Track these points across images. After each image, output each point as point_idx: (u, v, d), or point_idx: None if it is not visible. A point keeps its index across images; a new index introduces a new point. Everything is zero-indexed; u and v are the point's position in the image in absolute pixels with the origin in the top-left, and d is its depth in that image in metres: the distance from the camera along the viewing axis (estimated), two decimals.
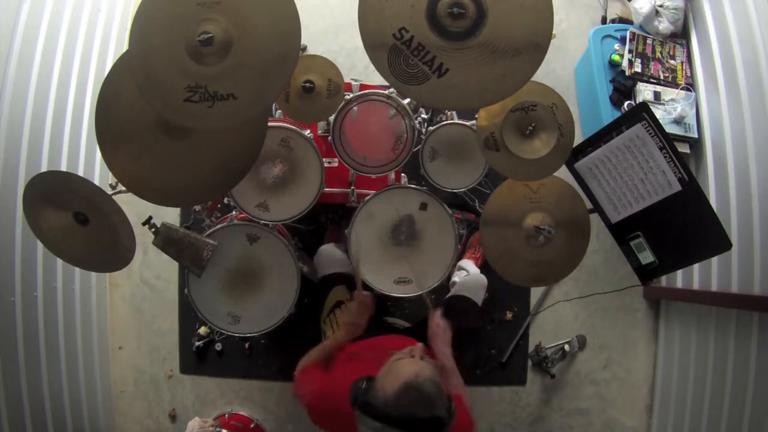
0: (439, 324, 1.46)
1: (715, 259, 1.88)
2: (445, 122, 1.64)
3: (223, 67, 1.07)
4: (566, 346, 2.25)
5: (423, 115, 1.72)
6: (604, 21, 2.39)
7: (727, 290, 1.84)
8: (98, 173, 2.16)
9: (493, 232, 1.51)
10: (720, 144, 1.96)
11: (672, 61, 2.16)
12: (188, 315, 2.28)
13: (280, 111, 1.70)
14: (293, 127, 1.50)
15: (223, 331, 1.61)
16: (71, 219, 1.34)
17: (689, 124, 2.06)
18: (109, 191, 1.37)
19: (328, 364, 1.42)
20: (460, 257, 2.11)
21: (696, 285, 2.02)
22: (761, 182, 1.73)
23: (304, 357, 1.48)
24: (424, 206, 1.62)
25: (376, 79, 1.30)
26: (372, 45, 1.08)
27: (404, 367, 1.05)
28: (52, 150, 1.91)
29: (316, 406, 1.27)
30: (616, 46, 2.18)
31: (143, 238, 1.98)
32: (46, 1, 1.85)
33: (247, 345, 2.27)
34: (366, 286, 1.64)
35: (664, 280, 2.26)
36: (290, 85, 1.43)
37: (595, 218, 1.55)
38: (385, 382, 1.03)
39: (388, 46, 1.08)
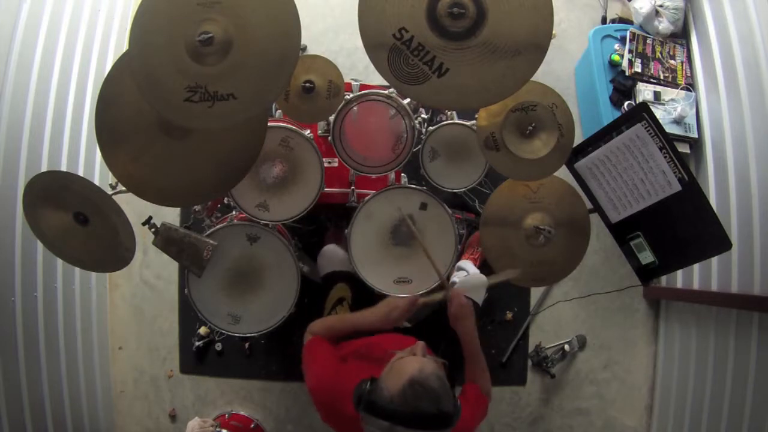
0: (461, 304, 1.38)
1: (715, 259, 1.88)
2: (445, 122, 1.64)
3: (223, 67, 1.07)
4: (566, 346, 2.25)
5: (423, 115, 1.72)
6: (604, 21, 2.39)
7: (727, 290, 1.84)
8: (98, 173, 2.17)
9: (492, 232, 1.51)
10: (720, 144, 1.96)
11: (672, 61, 2.16)
12: (188, 315, 2.28)
13: (280, 111, 1.70)
14: (293, 127, 1.50)
15: (223, 331, 1.60)
16: (71, 219, 1.34)
17: (689, 124, 2.06)
18: (109, 191, 1.37)
19: (339, 344, 1.41)
20: (459, 257, 2.11)
21: (696, 285, 2.02)
22: (761, 182, 1.73)
23: (318, 322, 1.46)
24: (424, 206, 1.62)
25: (376, 79, 1.30)
26: (372, 45, 1.08)
27: (407, 364, 1.05)
28: (52, 150, 1.91)
29: (318, 397, 1.27)
30: (616, 46, 2.18)
31: (143, 238, 1.99)
32: (46, 1, 1.85)
33: (247, 345, 2.27)
34: (366, 287, 1.64)
35: (664, 280, 2.26)
36: (290, 84, 1.43)
37: (595, 218, 1.55)
38: (389, 380, 1.03)
39: (388, 46, 1.08)
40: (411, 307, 1.43)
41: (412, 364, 1.05)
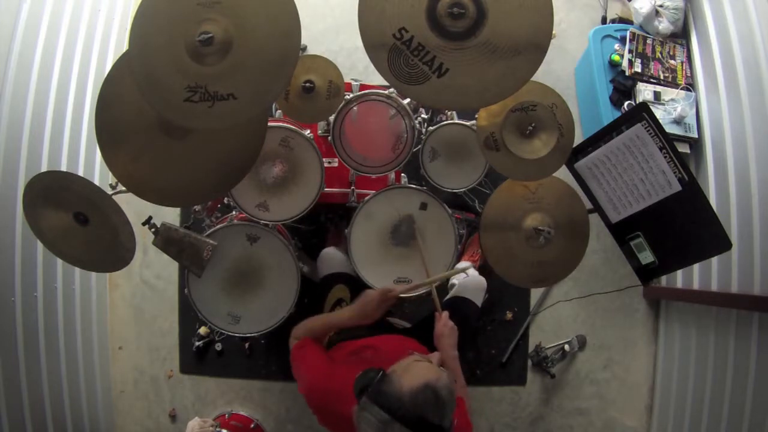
0: (446, 324, 1.44)
1: (715, 259, 1.88)
2: (445, 122, 1.64)
3: (223, 67, 1.07)
4: (566, 346, 2.25)
5: (423, 115, 1.72)
6: (604, 21, 2.39)
7: (727, 290, 1.84)
8: (98, 173, 2.17)
9: (492, 234, 1.50)
10: (720, 144, 1.96)
11: (672, 61, 2.16)
12: (188, 315, 2.28)
13: (280, 111, 1.70)
14: (293, 127, 1.50)
15: (223, 331, 1.61)
16: (71, 219, 1.34)
17: (689, 124, 2.06)
18: (109, 191, 1.37)
19: (329, 351, 1.41)
20: (459, 257, 2.11)
21: (696, 285, 2.02)
22: (761, 182, 1.73)
23: (300, 326, 1.44)
24: (424, 206, 1.62)
25: (376, 79, 1.30)
26: (372, 45, 1.08)
27: (425, 370, 1.05)
28: (52, 150, 1.91)
29: (313, 400, 1.26)
30: (616, 46, 2.18)
31: (143, 238, 1.99)
32: (46, 1, 1.85)
33: (247, 345, 2.27)
34: (365, 287, 1.64)
35: (664, 280, 2.26)
36: (290, 84, 1.43)
37: (595, 218, 1.55)
38: (403, 378, 1.02)
39: (388, 46, 1.08)
40: (384, 298, 1.40)
41: (432, 371, 1.05)
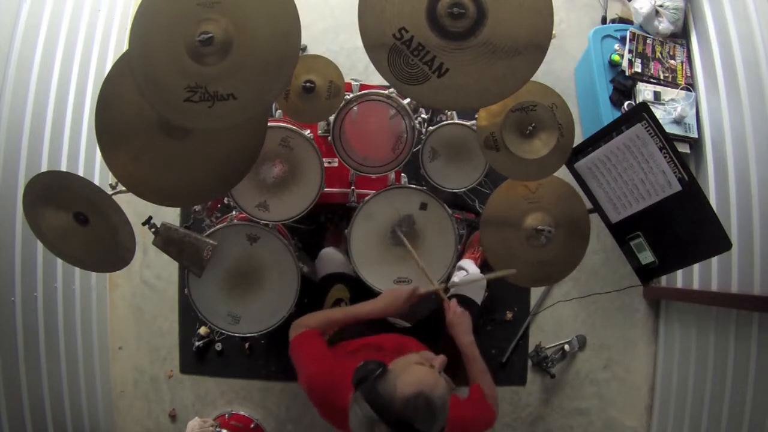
0: (456, 312, 1.44)
1: (715, 259, 1.88)
2: (445, 122, 1.64)
3: (223, 67, 1.08)
4: (566, 346, 2.25)
5: (423, 115, 1.72)
6: (604, 21, 2.39)
7: (727, 290, 1.84)
8: (98, 173, 2.17)
9: (493, 233, 1.51)
10: (720, 144, 1.96)
11: (672, 61, 2.16)
12: (188, 315, 2.28)
13: (280, 111, 1.70)
14: (293, 127, 1.50)
15: (223, 331, 1.61)
16: (71, 219, 1.34)
17: (689, 124, 2.06)
18: (109, 191, 1.37)
19: (334, 347, 1.41)
20: (459, 257, 2.11)
21: (696, 285, 2.02)
22: (761, 182, 1.73)
23: (309, 316, 1.45)
24: (424, 206, 1.62)
25: (376, 79, 1.30)
26: (372, 45, 1.08)
27: (424, 375, 1.03)
28: (52, 150, 1.91)
29: (313, 393, 1.26)
30: (616, 46, 2.18)
31: (143, 238, 1.99)
32: (46, 1, 1.85)
33: (247, 345, 2.27)
34: (365, 287, 1.64)
35: (664, 280, 2.26)
36: (291, 84, 1.43)
37: (595, 218, 1.55)
38: (399, 380, 1.01)
39: (388, 46, 1.08)
40: (412, 297, 1.45)
41: (429, 376, 1.04)
